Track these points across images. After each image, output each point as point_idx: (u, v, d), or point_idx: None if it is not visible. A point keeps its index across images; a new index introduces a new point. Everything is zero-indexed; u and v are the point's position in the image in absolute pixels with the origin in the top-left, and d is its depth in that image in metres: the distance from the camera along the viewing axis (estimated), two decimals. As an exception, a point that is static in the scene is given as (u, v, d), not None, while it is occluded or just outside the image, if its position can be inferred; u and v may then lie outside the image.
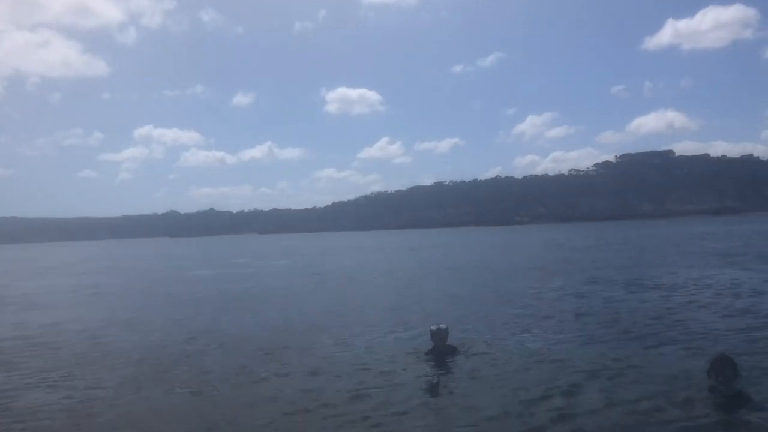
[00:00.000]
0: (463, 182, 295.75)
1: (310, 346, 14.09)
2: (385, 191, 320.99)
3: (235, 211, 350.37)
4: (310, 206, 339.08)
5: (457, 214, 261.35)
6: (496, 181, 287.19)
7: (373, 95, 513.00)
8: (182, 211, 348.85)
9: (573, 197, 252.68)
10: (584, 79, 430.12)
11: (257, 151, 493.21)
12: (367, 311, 19.73)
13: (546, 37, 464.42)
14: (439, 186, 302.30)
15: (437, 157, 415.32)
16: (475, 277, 31.29)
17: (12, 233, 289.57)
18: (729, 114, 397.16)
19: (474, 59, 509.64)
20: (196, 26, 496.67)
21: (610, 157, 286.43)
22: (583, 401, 9.18)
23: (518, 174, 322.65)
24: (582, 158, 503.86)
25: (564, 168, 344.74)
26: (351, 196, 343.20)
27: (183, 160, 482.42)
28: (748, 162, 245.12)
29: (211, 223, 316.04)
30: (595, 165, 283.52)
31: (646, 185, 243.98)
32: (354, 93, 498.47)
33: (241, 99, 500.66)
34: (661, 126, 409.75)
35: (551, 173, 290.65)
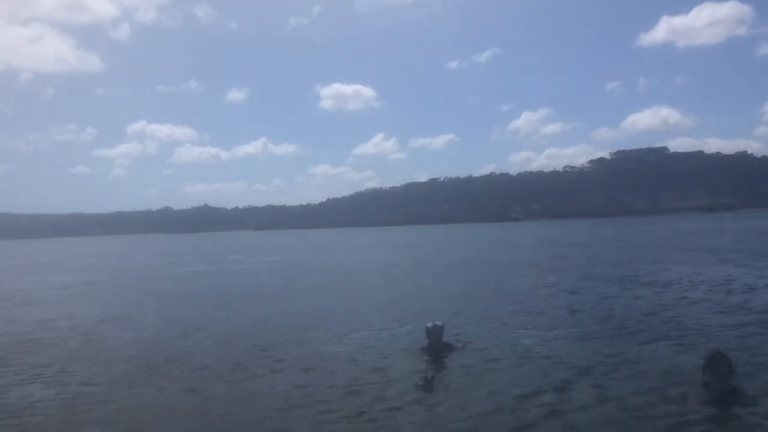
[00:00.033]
0: (458, 179, 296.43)
1: (305, 343, 14.09)
2: (380, 188, 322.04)
3: (229, 208, 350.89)
4: (304, 202, 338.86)
5: (451, 210, 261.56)
6: (491, 178, 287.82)
7: (368, 91, 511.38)
8: (176, 207, 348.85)
9: (568, 194, 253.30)
10: (579, 76, 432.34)
11: (252, 147, 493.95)
12: (362, 307, 19.73)
13: (541, 34, 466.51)
14: (433, 182, 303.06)
15: (432, 154, 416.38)
16: (470, 273, 31.32)
17: (5, 229, 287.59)
18: (723, 111, 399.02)
19: (469, 55, 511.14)
20: (190, 22, 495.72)
21: (605, 154, 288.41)
22: (577, 397, 9.22)
23: (513, 170, 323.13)
24: (577, 155, 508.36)
25: (559, 164, 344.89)
26: (346, 193, 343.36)
27: (177, 156, 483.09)
28: (742, 159, 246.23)
29: (206, 220, 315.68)
30: (590, 161, 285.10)
31: (641, 182, 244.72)
32: (349, 89, 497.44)
33: (236, 95, 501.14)
34: (655, 123, 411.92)
35: (546, 170, 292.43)
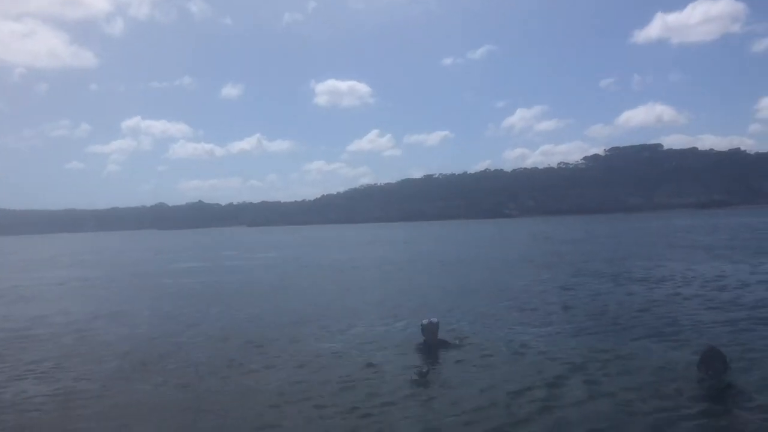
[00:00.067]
0: (453, 175, 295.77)
1: (299, 339, 14.11)
2: (375, 184, 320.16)
3: (224, 204, 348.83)
4: (299, 199, 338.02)
5: (446, 206, 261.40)
6: (485, 174, 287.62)
7: (362, 87, 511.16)
8: (171, 204, 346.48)
9: (562, 190, 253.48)
10: (574, 73, 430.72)
11: (246, 143, 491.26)
12: (357, 304, 19.76)
13: (536, 30, 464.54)
14: (428, 179, 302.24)
15: (427, 150, 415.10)
16: (465, 269, 31.40)
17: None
18: (717, 108, 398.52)
19: (464, 52, 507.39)
20: (184, 17, 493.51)
21: (599, 151, 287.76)
22: (570, 393, 9.27)
23: (508, 167, 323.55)
24: (571, 151, 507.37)
25: (553, 161, 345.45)
26: (340, 189, 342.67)
27: (171, 152, 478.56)
28: (736, 156, 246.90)
29: (200, 216, 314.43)
30: (584, 158, 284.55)
31: (635, 178, 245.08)
32: (343, 85, 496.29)
33: (230, 91, 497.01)
34: (649, 119, 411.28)
35: (540, 166, 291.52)
